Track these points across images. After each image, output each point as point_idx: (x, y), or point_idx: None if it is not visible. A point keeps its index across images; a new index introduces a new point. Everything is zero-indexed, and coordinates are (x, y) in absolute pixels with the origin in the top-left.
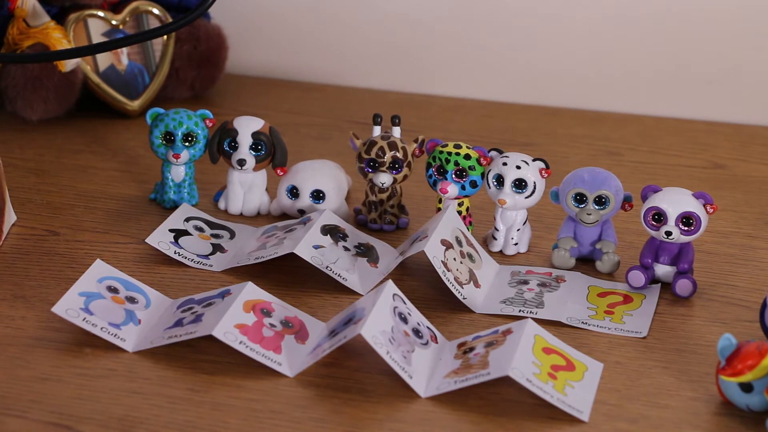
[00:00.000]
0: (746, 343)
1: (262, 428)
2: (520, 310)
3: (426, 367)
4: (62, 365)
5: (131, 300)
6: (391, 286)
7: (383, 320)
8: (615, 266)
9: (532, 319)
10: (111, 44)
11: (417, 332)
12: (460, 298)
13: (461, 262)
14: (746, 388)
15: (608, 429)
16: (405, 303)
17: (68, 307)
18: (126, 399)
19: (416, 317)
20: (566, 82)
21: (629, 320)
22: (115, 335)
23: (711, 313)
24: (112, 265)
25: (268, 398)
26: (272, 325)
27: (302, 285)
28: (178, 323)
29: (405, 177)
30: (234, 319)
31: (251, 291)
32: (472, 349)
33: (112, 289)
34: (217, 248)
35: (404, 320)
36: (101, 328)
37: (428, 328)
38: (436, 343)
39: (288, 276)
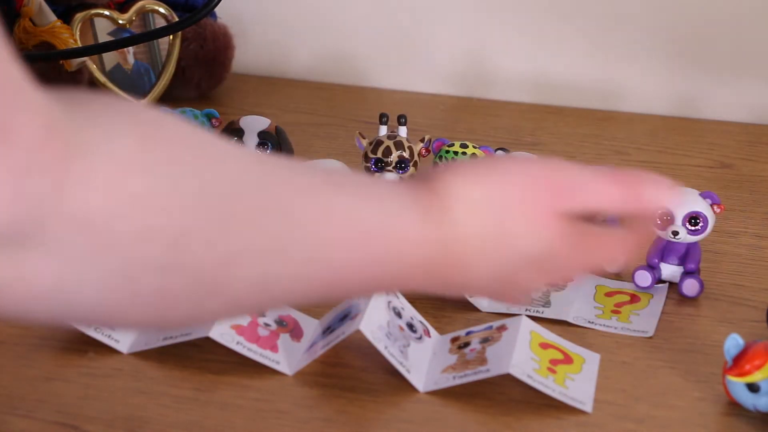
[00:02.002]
0: (753, 343)
1: (268, 428)
2: (526, 309)
3: (422, 361)
4: (68, 365)
5: None
6: None
7: (379, 315)
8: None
9: (539, 318)
10: (117, 43)
11: (411, 326)
12: (467, 296)
13: None
14: (753, 388)
15: (615, 429)
16: (398, 297)
17: None
18: (132, 399)
19: (409, 311)
20: (573, 81)
21: (636, 320)
22: (109, 336)
23: (718, 313)
24: None
25: (274, 398)
26: (267, 325)
27: None
28: None
29: (411, 177)
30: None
31: None
32: (467, 344)
33: None
34: None
35: (398, 315)
36: (95, 329)
37: (421, 322)
38: (429, 337)
39: None
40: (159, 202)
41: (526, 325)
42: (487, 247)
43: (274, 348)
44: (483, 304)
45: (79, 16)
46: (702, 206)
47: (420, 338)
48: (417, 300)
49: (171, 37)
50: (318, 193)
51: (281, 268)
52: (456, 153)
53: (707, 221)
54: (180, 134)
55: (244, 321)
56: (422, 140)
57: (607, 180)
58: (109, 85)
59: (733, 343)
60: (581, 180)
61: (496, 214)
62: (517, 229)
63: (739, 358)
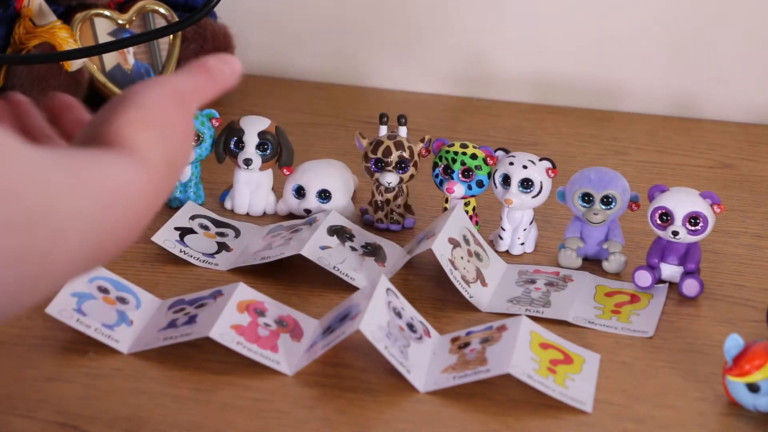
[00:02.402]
0: (753, 343)
1: (268, 428)
2: (526, 309)
3: (422, 361)
4: (68, 365)
5: (122, 300)
6: (384, 281)
7: (380, 315)
8: (622, 266)
9: (539, 318)
10: (117, 44)
11: (411, 327)
12: (467, 296)
13: (468, 261)
14: (753, 388)
15: (615, 429)
16: (398, 297)
17: (61, 307)
18: (132, 399)
19: (409, 311)
20: (573, 81)
21: (636, 320)
22: (109, 336)
23: (718, 313)
24: (118, 265)
25: (274, 398)
26: (267, 325)
27: (309, 285)
28: (172, 324)
29: (411, 177)
30: (229, 320)
31: (243, 291)
32: (467, 344)
33: (103, 290)
34: (222, 247)
35: (398, 315)
36: (95, 329)
37: (421, 322)
38: (429, 337)
39: (294, 276)
40: (16, 189)
41: (526, 325)
42: (172, 167)
43: (274, 348)
44: (483, 304)
45: (79, 16)
46: (702, 206)
47: (420, 338)
48: (417, 300)
49: (171, 37)
50: (69, 167)
51: (79, 236)
52: (456, 153)
53: (707, 221)
54: None
55: (244, 321)
56: (422, 140)
57: (200, 78)
58: (109, 85)
59: (733, 343)
60: (192, 86)
61: (168, 141)
62: (182, 146)
63: (739, 358)
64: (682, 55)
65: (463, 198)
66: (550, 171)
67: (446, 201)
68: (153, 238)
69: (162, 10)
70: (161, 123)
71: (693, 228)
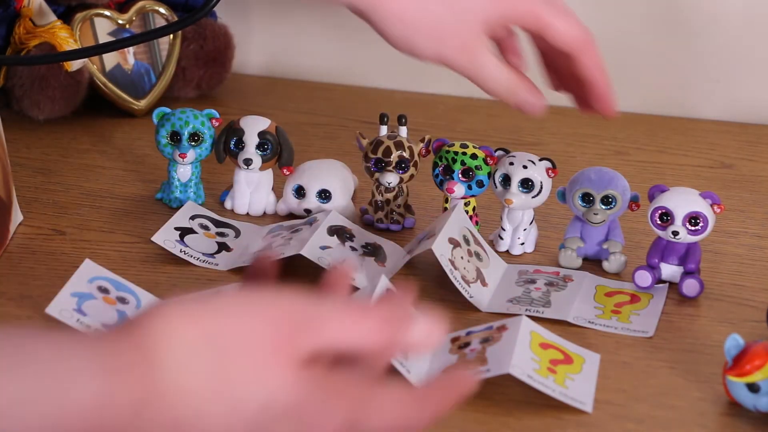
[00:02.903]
0: (754, 344)
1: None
2: (526, 309)
3: (422, 361)
4: None
5: (122, 300)
6: (384, 281)
7: None
8: (622, 266)
9: (539, 318)
10: (117, 44)
11: None
12: (467, 296)
13: (468, 261)
14: (753, 388)
15: (615, 429)
16: None
17: (62, 307)
18: None
19: None
20: None
21: (636, 320)
22: None
23: (718, 313)
24: (118, 265)
25: None
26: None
27: (309, 285)
28: None
29: (411, 177)
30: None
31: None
32: (467, 344)
33: (103, 290)
34: (222, 247)
35: None
36: (95, 330)
37: None
38: None
39: (294, 276)
40: None
41: (526, 325)
42: (207, 398)
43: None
44: (483, 303)
45: (79, 16)
46: (702, 206)
47: None
48: (417, 300)
49: (171, 37)
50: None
51: None
52: (456, 153)
53: (707, 221)
54: None
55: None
56: (422, 140)
57: (359, 314)
58: (110, 85)
59: (734, 343)
60: (324, 314)
61: (215, 359)
62: (243, 376)
63: (739, 358)
64: (682, 54)
65: (463, 198)
66: (550, 171)
67: (446, 201)
68: (153, 238)
69: (162, 10)
70: (218, 332)
71: (693, 228)
